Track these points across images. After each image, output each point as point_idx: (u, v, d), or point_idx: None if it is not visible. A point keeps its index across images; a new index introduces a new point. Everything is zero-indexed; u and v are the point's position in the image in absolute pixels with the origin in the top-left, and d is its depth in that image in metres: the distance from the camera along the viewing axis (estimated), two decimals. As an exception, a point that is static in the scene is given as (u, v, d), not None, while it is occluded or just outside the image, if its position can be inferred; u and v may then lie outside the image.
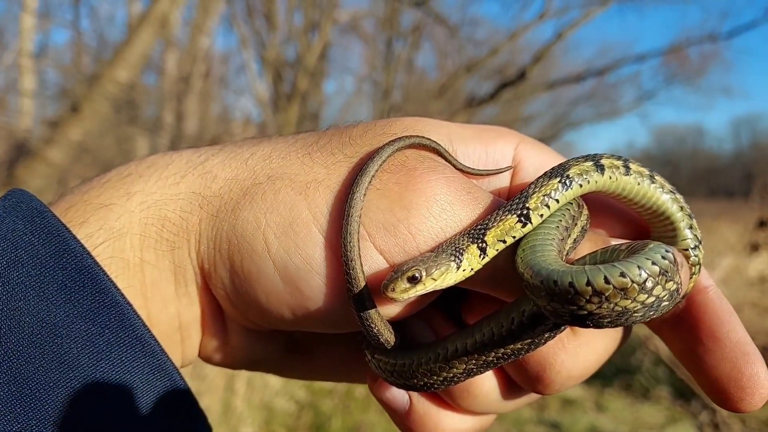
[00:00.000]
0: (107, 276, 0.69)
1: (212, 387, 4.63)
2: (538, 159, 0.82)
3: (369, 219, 0.70)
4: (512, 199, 0.73)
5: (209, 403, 4.47)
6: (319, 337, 0.92)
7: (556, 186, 0.72)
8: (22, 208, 0.69)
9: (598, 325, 0.62)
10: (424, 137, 0.76)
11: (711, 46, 20.14)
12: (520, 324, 0.71)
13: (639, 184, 0.75)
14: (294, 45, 16.54)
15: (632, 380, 5.89)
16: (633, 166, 0.75)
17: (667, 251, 0.62)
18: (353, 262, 0.69)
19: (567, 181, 0.72)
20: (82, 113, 8.26)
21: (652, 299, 0.60)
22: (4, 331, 0.63)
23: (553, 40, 16.91)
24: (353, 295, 0.70)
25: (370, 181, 0.72)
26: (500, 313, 0.75)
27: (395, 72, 18.82)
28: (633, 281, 0.59)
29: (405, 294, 0.67)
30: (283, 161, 0.76)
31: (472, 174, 0.79)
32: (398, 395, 0.81)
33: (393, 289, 0.67)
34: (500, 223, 0.70)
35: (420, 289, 0.68)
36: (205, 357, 0.86)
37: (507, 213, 0.71)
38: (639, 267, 0.60)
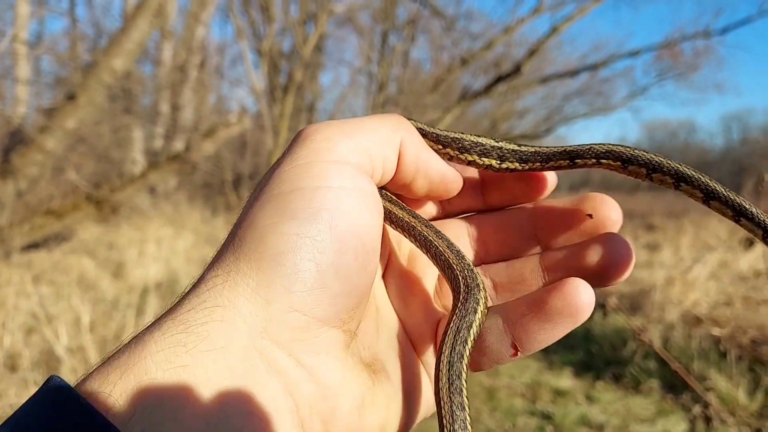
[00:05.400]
0: None
1: None
2: None
3: None
4: None
5: None
6: None
7: None
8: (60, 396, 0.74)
9: None
10: None
11: (705, 42, 20.20)
12: None
13: None
14: (290, 36, 16.52)
15: (623, 372, 5.97)
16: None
17: None
18: None
19: None
20: (78, 102, 8.24)
21: None
22: None
23: (548, 34, 16.94)
24: None
25: None
26: None
27: (390, 64, 18.84)
28: None
29: None
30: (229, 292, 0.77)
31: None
32: None
33: None
34: None
35: None
36: None
37: None
38: None
